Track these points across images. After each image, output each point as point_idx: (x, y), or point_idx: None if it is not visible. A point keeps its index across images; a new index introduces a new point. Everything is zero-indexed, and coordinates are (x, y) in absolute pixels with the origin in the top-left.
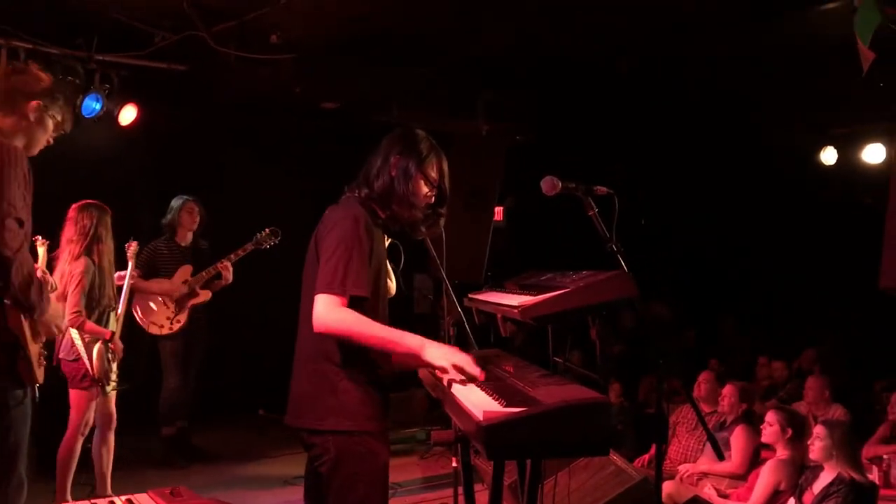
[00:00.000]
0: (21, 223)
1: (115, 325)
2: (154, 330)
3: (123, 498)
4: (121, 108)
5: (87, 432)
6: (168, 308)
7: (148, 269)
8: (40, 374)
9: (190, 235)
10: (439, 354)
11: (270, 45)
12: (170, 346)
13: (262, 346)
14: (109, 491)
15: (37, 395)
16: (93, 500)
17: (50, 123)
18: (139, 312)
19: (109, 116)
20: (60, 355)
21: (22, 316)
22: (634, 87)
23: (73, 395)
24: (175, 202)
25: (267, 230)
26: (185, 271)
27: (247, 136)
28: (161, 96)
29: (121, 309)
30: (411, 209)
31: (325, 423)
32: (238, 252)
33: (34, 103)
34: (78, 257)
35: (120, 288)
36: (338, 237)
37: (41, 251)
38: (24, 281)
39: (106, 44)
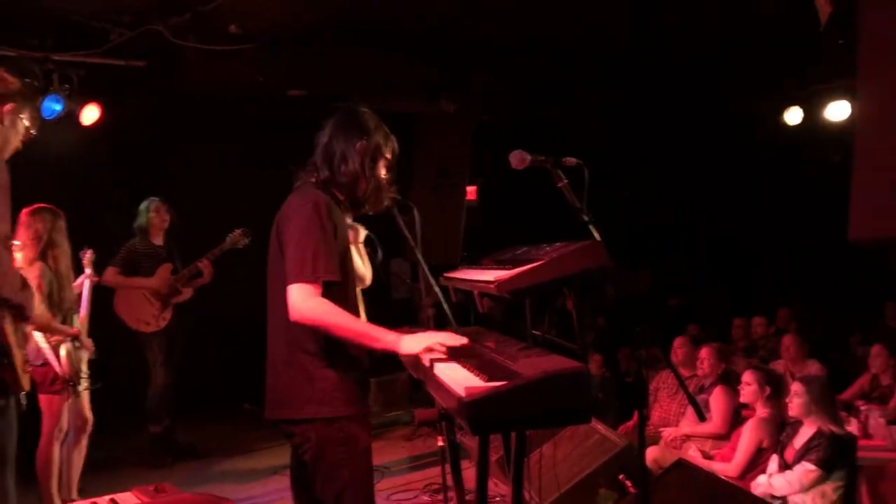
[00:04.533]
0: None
1: (78, 328)
2: (142, 327)
3: (107, 498)
4: (82, 107)
5: (62, 437)
6: (153, 305)
7: (128, 268)
8: (26, 380)
9: (162, 235)
10: (416, 344)
11: (230, 36)
12: (157, 344)
13: (243, 339)
14: (75, 496)
15: (23, 402)
16: None
17: (21, 126)
18: (124, 310)
19: (71, 117)
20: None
21: (6, 322)
22: (600, 58)
23: (44, 400)
24: (143, 205)
25: (238, 231)
26: (165, 269)
27: (212, 130)
28: (122, 94)
29: (83, 312)
30: (378, 192)
31: (304, 412)
32: (214, 252)
33: (8, 106)
34: (32, 263)
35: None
36: (301, 225)
37: (18, 256)
38: (6, 281)
39: (62, 43)
